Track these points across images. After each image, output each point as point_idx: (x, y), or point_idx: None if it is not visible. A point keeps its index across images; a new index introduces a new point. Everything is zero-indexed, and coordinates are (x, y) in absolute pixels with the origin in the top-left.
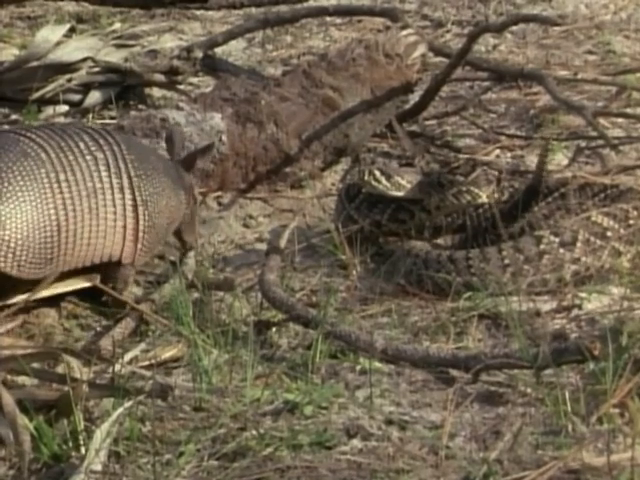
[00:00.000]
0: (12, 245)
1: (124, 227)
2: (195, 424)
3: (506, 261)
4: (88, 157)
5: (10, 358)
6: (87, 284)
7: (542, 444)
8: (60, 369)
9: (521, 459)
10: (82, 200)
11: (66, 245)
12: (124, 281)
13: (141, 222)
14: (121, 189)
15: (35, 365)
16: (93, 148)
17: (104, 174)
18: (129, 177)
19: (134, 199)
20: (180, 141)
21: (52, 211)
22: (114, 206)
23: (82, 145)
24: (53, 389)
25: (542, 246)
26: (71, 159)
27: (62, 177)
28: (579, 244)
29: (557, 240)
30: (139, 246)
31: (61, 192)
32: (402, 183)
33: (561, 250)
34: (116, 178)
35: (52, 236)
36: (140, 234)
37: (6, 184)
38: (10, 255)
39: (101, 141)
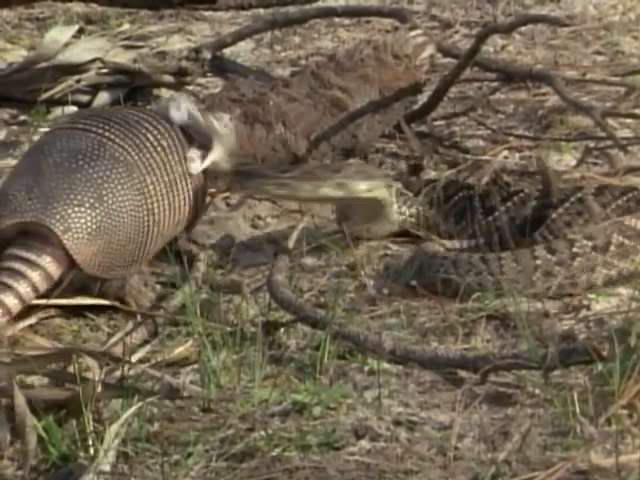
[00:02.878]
0: (108, 252)
1: (189, 212)
2: (203, 425)
3: (538, 262)
4: (159, 149)
5: (28, 358)
6: (107, 302)
7: (550, 445)
8: (71, 369)
9: (529, 460)
10: (164, 198)
11: (151, 245)
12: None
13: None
14: (184, 175)
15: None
16: (159, 137)
17: (173, 163)
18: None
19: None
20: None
21: (143, 214)
22: (184, 193)
23: (151, 137)
24: (63, 389)
25: (575, 249)
26: (148, 157)
27: (148, 180)
28: (612, 247)
29: (590, 244)
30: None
31: (149, 195)
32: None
33: (593, 253)
34: (180, 165)
35: (142, 240)
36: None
37: (104, 192)
38: (106, 262)
39: (160, 127)
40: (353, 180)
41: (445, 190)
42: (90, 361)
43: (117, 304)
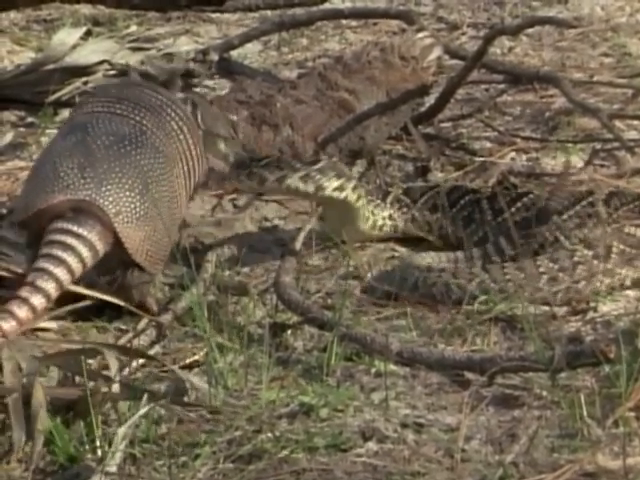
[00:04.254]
0: (153, 242)
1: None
2: (211, 426)
3: (542, 269)
4: (181, 137)
5: (55, 354)
6: (120, 302)
7: (558, 447)
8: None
9: (537, 462)
10: (183, 188)
11: (175, 235)
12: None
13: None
14: (198, 160)
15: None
16: (180, 123)
17: (192, 150)
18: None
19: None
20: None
21: (174, 206)
22: (195, 180)
23: (175, 125)
24: (74, 388)
25: (576, 258)
26: (176, 146)
27: (175, 171)
28: (613, 256)
29: (591, 253)
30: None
31: (177, 186)
32: None
33: (595, 262)
34: (195, 150)
35: (173, 232)
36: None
37: (151, 182)
38: (151, 251)
39: (179, 112)
40: (322, 175)
41: (450, 195)
42: (111, 360)
43: (130, 307)
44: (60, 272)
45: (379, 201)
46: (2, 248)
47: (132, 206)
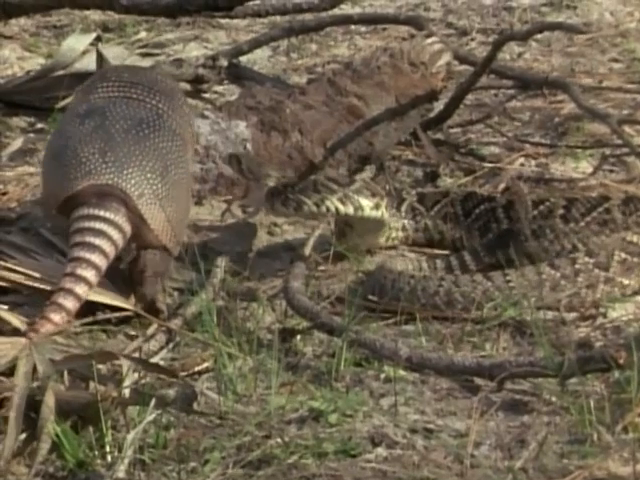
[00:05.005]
0: (175, 222)
1: None
2: (220, 432)
3: (544, 276)
4: (191, 122)
5: (69, 358)
6: (130, 307)
7: (567, 453)
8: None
9: (546, 468)
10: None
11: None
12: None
13: None
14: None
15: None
16: (185, 106)
17: (192, 133)
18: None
19: None
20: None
21: (189, 188)
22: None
23: (186, 109)
24: (83, 394)
25: (577, 266)
26: (189, 130)
27: (189, 154)
28: (615, 264)
29: (592, 260)
30: None
31: (189, 168)
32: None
33: (596, 271)
34: (193, 136)
35: (189, 214)
36: None
37: (170, 164)
38: (174, 232)
39: (183, 95)
40: (359, 195)
41: (464, 203)
42: (125, 367)
43: (140, 310)
44: (97, 258)
45: (395, 210)
46: (12, 253)
47: (154, 188)
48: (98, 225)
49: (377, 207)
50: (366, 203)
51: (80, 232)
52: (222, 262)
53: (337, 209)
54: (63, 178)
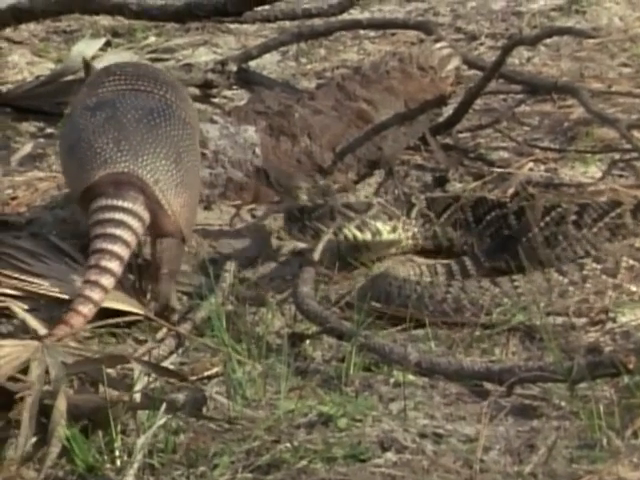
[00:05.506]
0: (190, 208)
1: None
2: (229, 436)
3: (552, 283)
4: (196, 111)
5: (81, 361)
6: (140, 311)
7: (577, 458)
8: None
9: (556, 473)
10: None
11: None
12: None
13: None
14: None
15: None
16: (189, 97)
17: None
18: None
19: None
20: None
21: (199, 175)
22: None
23: (190, 100)
24: (93, 398)
25: (585, 272)
26: (194, 116)
27: (196, 142)
28: (622, 271)
29: (599, 267)
30: None
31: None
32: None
33: (603, 277)
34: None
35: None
36: None
37: (182, 152)
38: (190, 218)
39: (185, 91)
40: (376, 220)
41: (474, 209)
42: (137, 371)
43: (150, 314)
44: (119, 249)
45: (405, 218)
46: (22, 257)
47: (169, 174)
48: (118, 215)
49: (394, 230)
50: (383, 228)
51: (100, 224)
52: (231, 267)
53: (355, 236)
54: (80, 170)
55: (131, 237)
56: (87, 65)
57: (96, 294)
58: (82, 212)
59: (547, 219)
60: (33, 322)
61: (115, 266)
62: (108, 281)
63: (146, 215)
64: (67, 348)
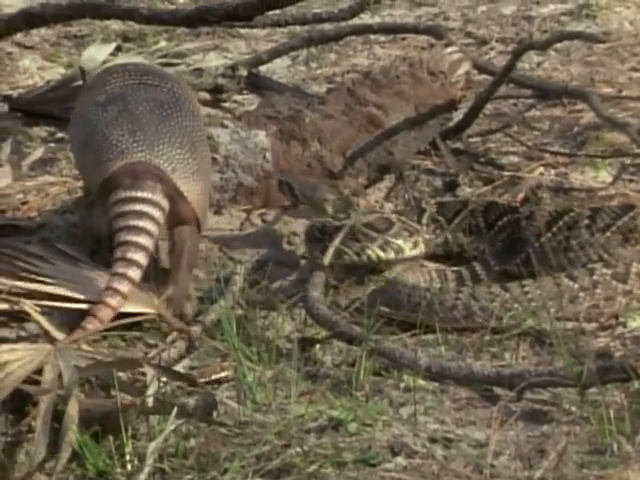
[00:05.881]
0: (206, 195)
1: None
2: (239, 441)
3: (562, 288)
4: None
5: (95, 365)
6: (152, 310)
7: (587, 463)
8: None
9: (566, 478)
10: None
11: None
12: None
13: None
14: None
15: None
16: (191, 91)
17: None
18: None
19: None
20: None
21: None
22: None
23: (194, 94)
24: (104, 402)
25: (595, 277)
26: (200, 108)
27: (204, 131)
28: (633, 276)
29: (610, 272)
30: None
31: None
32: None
33: (613, 282)
34: None
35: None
36: None
37: (195, 141)
38: (206, 205)
39: (187, 85)
40: (398, 238)
41: (486, 215)
42: (150, 375)
43: (164, 312)
44: (143, 240)
45: (416, 224)
46: (33, 261)
47: (185, 162)
48: (138, 207)
49: (415, 245)
50: (405, 245)
51: (122, 216)
52: (241, 270)
53: (378, 256)
54: (96, 163)
55: (154, 227)
56: (83, 71)
57: (124, 286)
58: (99, 207)
59: (560, 223)
60: (46, 324)
61: (141, 257)
62: (135, 273)
63: (165, 204)
64: (80, 351)
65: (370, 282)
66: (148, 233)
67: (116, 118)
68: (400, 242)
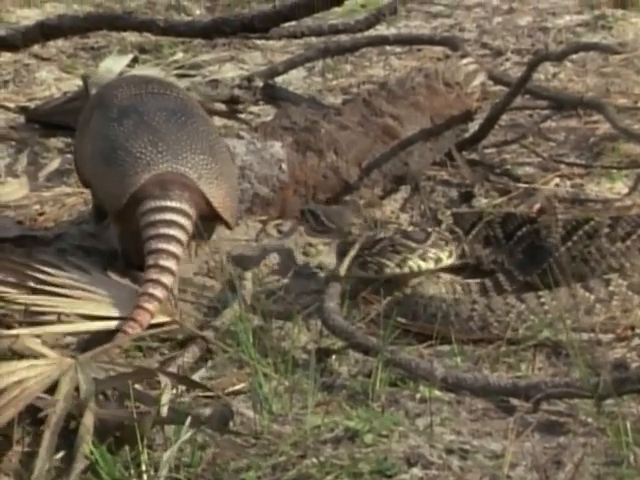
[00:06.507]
0: (232, 197)
1: None
2: (255, 451)
3: (578, 299)
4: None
5: (113, 377)
6: (168, 318)
7: (603, 475)
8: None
9: None
10: None
11: None
12: None
13: None
14: None
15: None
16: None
17: None
18: None
19: None
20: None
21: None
22: None
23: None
24: (121, 412)
25: (611, 288)
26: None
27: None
28: None
29: (625, 283)
30: None
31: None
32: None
33: (629, 293)
34: None
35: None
36: None
37: (213, 145)
38: (233, 207)
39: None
40: (436, 248)
41: (504, 226)
42: (166, 386)
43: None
44: (174, 247)
45: (447, 234)
46: (46, 269)
47: (209, 167)
48: (168, 216)
49: (451, 254)
50: (443, 254)
51: (153, 225)
52: (251, 274)
53: (419, 267)
54: (123, 176)
55: (183, 236)
56: (86, 81)
57: (159, 292)
58: (119, 220)
59: (580, 233)
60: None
61: (172, 264)
62: (168, 279)
63: (193, 212)
64: (99, 363)
65: (386, 293)
66: (178, 241)
67: (134, 131)
68: (438, 252)
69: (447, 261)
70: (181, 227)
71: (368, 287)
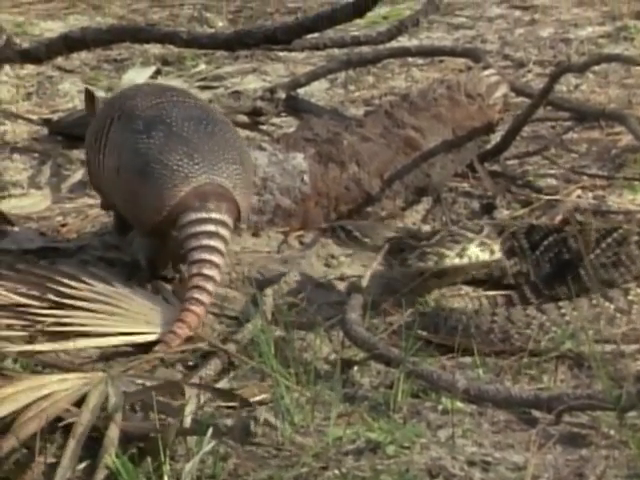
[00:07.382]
0: (251, 206)
1: None
2: (277, 463)
3: (598, 309)
4: None
5: (141, 390)
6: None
7: None
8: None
9: None
10: None
11: None
12: None
13: None
14: None
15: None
16: None
17: None
18: None
19: None
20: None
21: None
22: None
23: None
24: (144, 424)
25: (630, 297)
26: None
27: None
28: None
29: None
30: None
31: None
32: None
33: None
34: None
35: None
36: None
37: (239, 151)
38: (249, 214)
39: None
40: (491, 239)
41: (529, 236)
42: (191, 398)
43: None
44: (217, 258)
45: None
46: (66, 281)
47: (241, 177)
48: (209, 227)
49: (500, 248)
50: (496, 247)
51: (195, 236)
52: (272, 289)
53: (477, 257)
54: (160, 191)
55: (224, 247)
56: (89, 94)
57: (205, 297)
58: (152, 234)
59: (609, 240)
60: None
61: (216, 274)
62: (212, 287)
63: (230, 221)
64: (131, 377)
65: (408, 306)
66: (220, 253)
67: (167, 143)
68: (493, 244)
69: (497, 254)
70: (221, 238)
71: (390, 298)
